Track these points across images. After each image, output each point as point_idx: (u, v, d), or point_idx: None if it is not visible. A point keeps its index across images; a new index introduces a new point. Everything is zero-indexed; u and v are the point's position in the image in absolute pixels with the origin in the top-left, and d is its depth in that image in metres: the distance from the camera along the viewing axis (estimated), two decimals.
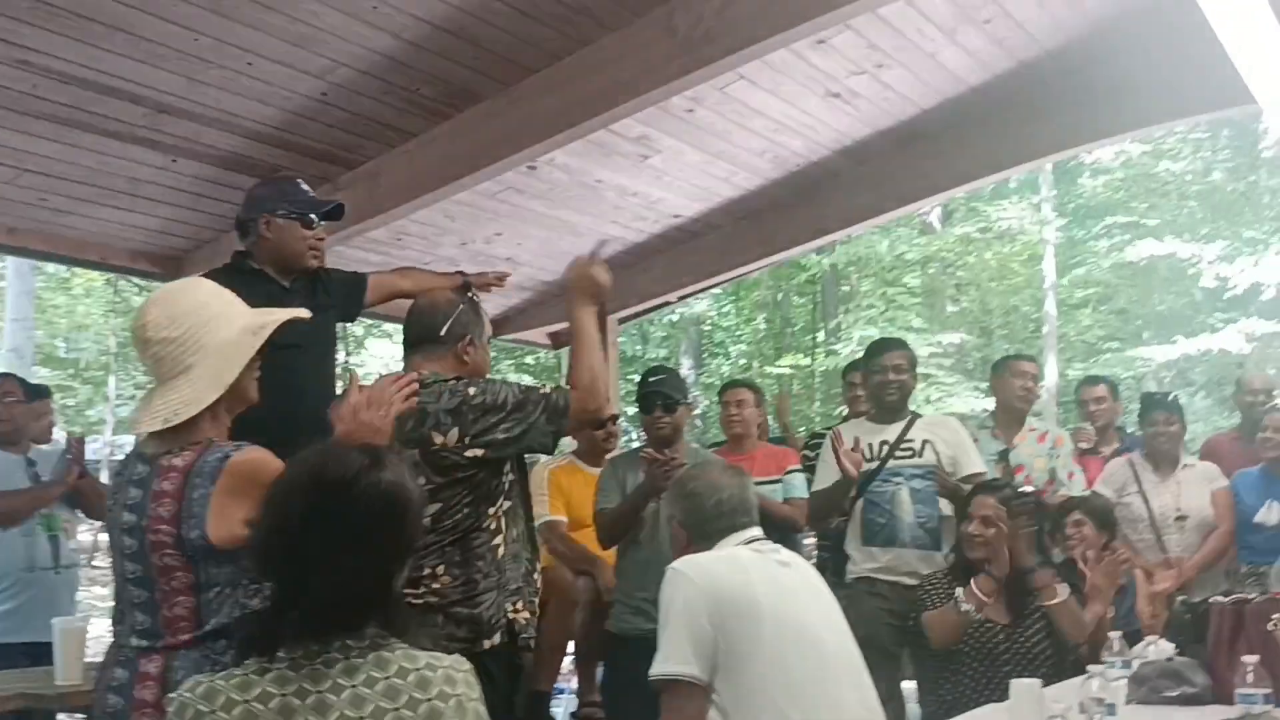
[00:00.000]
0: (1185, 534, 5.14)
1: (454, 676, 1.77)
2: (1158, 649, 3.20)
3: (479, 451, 2.95)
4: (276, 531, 1.76)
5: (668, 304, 7.83)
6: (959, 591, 3.81)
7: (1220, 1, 4.19)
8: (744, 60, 4.49)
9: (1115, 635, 3.33)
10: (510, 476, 3.11)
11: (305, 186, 3.79)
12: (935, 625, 3.88)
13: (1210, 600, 3.15)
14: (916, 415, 4.82)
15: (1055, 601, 3.84)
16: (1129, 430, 6.24)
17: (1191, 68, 5.34)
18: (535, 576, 3.19)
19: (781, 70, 5.20)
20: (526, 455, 3.23)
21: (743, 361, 20.41)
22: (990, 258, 17.13)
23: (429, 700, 1.72)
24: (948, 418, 5.01)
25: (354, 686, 1.68)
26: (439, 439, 2.95)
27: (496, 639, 2.99)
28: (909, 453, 4.64)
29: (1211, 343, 15.20)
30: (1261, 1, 4.17)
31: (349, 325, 4.61)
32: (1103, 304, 17.87)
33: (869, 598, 4.49)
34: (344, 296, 3.94)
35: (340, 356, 4.27)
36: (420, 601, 2.89)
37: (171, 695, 1.72)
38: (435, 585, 2.94)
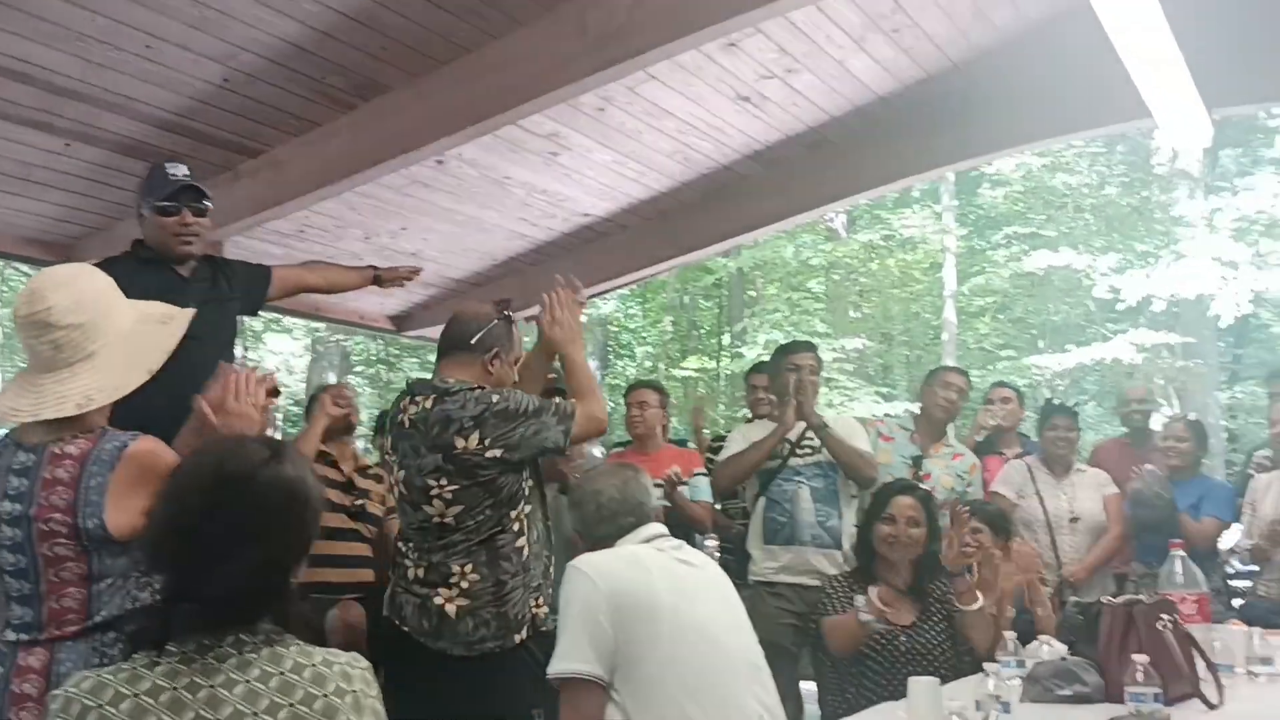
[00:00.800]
0: (1077, 536, 5.28)
1: (350, 673, 1.73)
2: (1051, 649, 3.27)
3: (498, 452, 3.14)
4: (174, 523, 1.71)
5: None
6: (859, 600, 3.79)
7: (1120, 20, 4.31)
8: (655, 60, 4.48)
9: (1010, 635, 3.39)
10: (529, 482, 3.30)
11: (172, 170, 3.63)
12: (835, 633, 3.85)
13: (1102, 601, 3.23)
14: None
15: (973, 609, 3.88)
16: (1031, 438, 6.38)
17: (1091, 83, 5.48)
18: (551, 571, 3.37)
19: (692, 72, 5.22)
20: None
21: (648, 363, 20.45)
22: (893, 265, 17.40)
23: (324, 696, 1.68)
24: (848, 418, 5.07)
25: (247, 681, 1.65)
26: (461, 443, 3.14)
27: (524, 633, 3.19)
28: (809, 450, 4.71)
29: (1103, 352, 15.62)
30: (1160, 21, 4.31)
31: (248, 319, 4.51)
32: (1000, 312, 18.26)
33: (770, 598, 4.54)
34: (247, 288, 3.87)
35: (238, 352, 4.17)
36: (452, 604, 3.12)
37: (56, 691, 1.66)
38: (464, 585, 3.14)
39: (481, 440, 3.14)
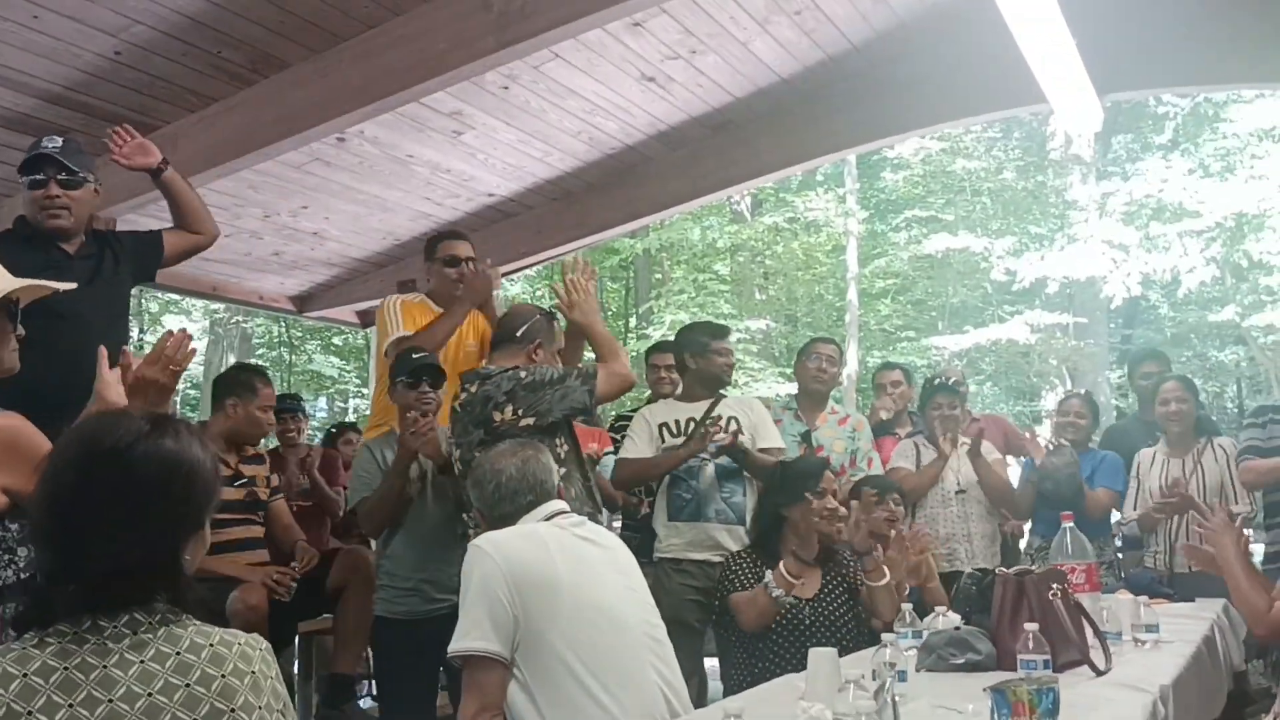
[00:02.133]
0: (966, 506, 5.41)
1: (249, 654, 1.70)
2: (946, 619, 3.35)
3: (530, 420, 3.63)
4: (52, 500, 1.67)
5: None
6: (768, 575, 3.84)
7: (1016, 6, 4.41)
8: (559, 38, 4.46)
9: (907, 607, 3.46)
10: (564, 447, 3.76)
11: (47, 143, 3.58)
12: (745, 608, 3.89)
13: (995, 571, 3.32)
14: (721, 395, 4.89)
15: (881, 584, 3.96)
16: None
17: (989, 68, 5.61)
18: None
19: (597, 51, 5.21)
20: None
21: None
22: (797, 247, 17.59)
23: (222, 676, 1.65)
24: (750, 398, 5.12)
25: (142, 662, 1.61)
26: (498, 416, 3.66)
27: None
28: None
29: (1000, 333, 16.00)
30: (1054, 7, 4.42)
31: (144, 301, 4.41)
32: (901, 294, 18.58)
33: (675, 574, 4.57)
34: (138, 256, 3.79)
35: (134, 334, 4.07)
36: None
37: None
38: None
39: (515, 411, 3.64)
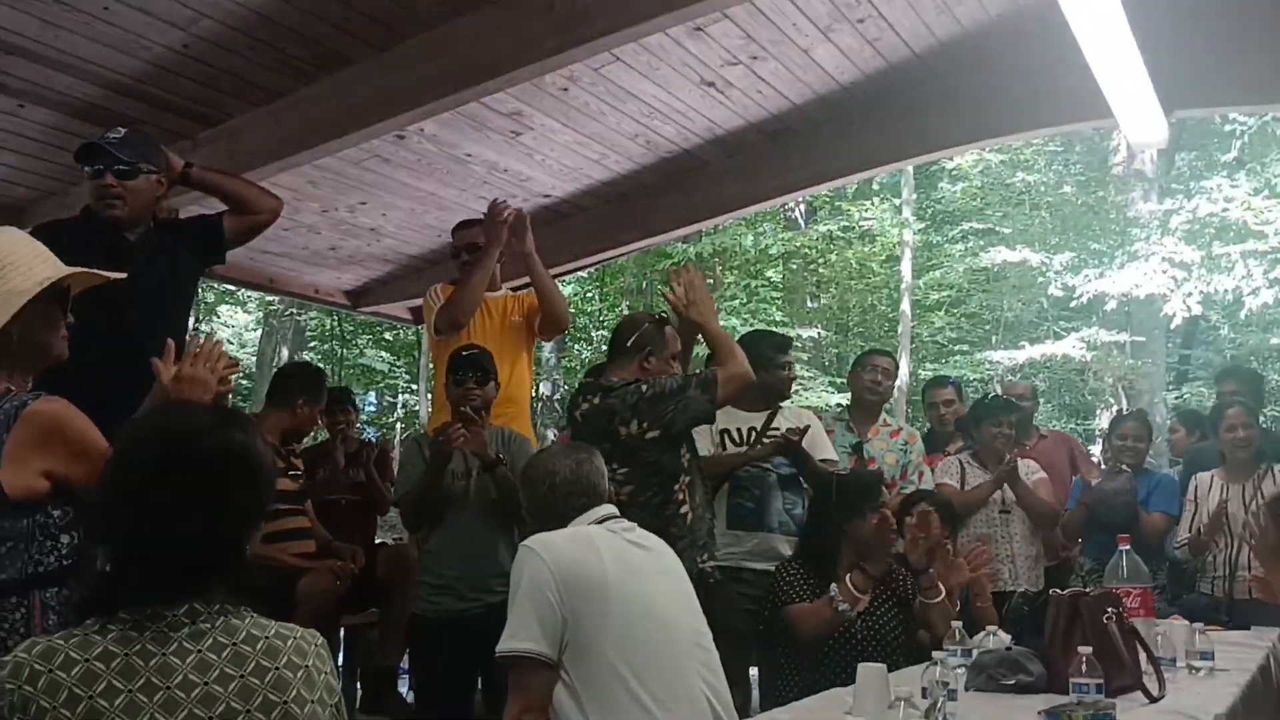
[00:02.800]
0: (1011, 525, 5.33)
1: (304, 648, 1.72)
2: (996, 639, 3.30)
3: (656, 433, 3.70)
4: (121, 487, 1.69)
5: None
6: (834, 589, 3.78)
7: (1083, 20, 4.35)
8: (620, 41, 4.47)
9: (957, 625, 3.42)
10: (687, 456, 3.84)
11: (110, 134, 3.62)
12: (806, 619, 3.85)
13: (1050, 593, 3.27)
14: (779, 406, 4.86)
15: (936, 601, 3.91)
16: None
17: (1054, 81, 5.53)
18: (714, 531, 4.02)
19: (658, 55, 5.20)
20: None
21: (605, 347, 20.41)
22: (851, 256, 17.47)
23: (276, 669, 1.67)
24: (804, 410, 5.10)
25: (199, 651, 1.63)
26: (624, 431, 3.70)
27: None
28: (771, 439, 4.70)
29: (1055, 349, 15.79)
30: (1122, 22, 4.35)
31: (200, 290, 4.45)
32: (955, 307, 18.38)
33: (732, 582, 4.49)
34: (201, 240, 3.81)
35: (190, 323, 4.11)
36: None
37: (5, 658, 1.63)
38: None
39: (640, 425, 3.69)
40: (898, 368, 5.75)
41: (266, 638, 1.69)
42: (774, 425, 4.73)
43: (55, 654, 1.58)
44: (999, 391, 5.90)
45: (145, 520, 1.66)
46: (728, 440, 4.72)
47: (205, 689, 1.61)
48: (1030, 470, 5.52)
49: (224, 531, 1.71)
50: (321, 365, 19.59)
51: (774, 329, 6.15)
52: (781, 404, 4.90)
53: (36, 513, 2.21)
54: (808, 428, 4.65)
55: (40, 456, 2.18)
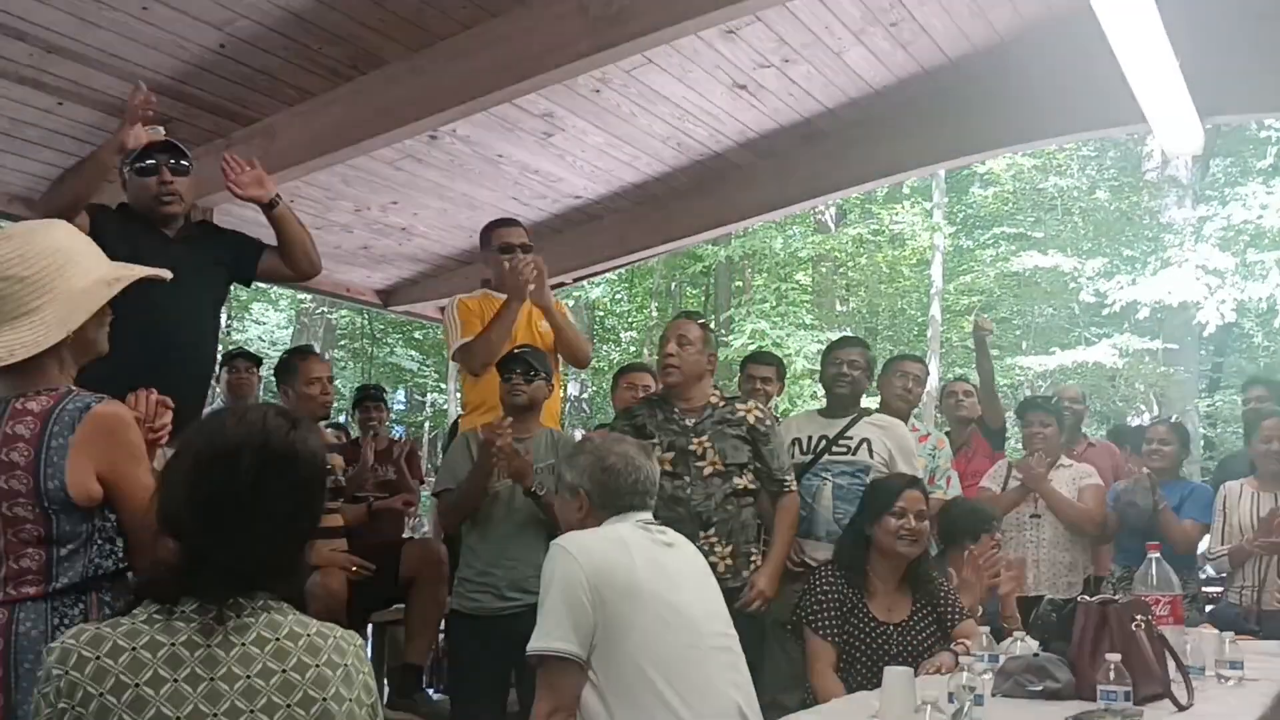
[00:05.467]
0: (1040, 530, 5.30)
1: (344, 647, 1.75)
2: (1023, 645, 3.29)
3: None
4: (192, 489, 1.71)
5: (563, 285, 7.79)
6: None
7: (1118, 25, 4.33)
8: (653, 44, 4.49)
9: (984, 630, 3.40)
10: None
11: (150, 131, 3.65)
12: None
13: (1078, 599, 3.25)
14: (865, 413, 4.75)
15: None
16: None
17: (1086, 86, 5.50)
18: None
19: (690, 57, 5.21)
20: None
21: (633, 348, 20.44)
22: (881, 260, 17.42)
23: (317, 666, 1.70)
24: (895, 420, 4.90)
25: (244, 645, 1.66)
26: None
27: None
28: (844, 449, 4.62)
29: (1086, 355, 15.68)
30: (1157, 28, 4.32)
31: (233, 287, 4.45)
32: (985, 311, 18.27)
33: (787, 580, 4.44)
34: (236, 256, 3.83)
35: (223, 319, 4.14)
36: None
37: (53, 644, 1.66)
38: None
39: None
40: (927, 373, 5.69)
41: (308, 635, 1.72)
42: (848, 434, 4.65)
43: (103, 641, 1.61)
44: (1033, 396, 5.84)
45: (218, 520, 1.69)
46: (796, 449, 4.65)
47: (248, 682, 1.64)
48: (1083, 475, 5.47)
49: (297, 532, 1.76)
50: (351, 363, 19.83)
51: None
52: (864, 412, 4.77)
53: (95, 516, 2.23)
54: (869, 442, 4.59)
55: (99, 459, 2.20)
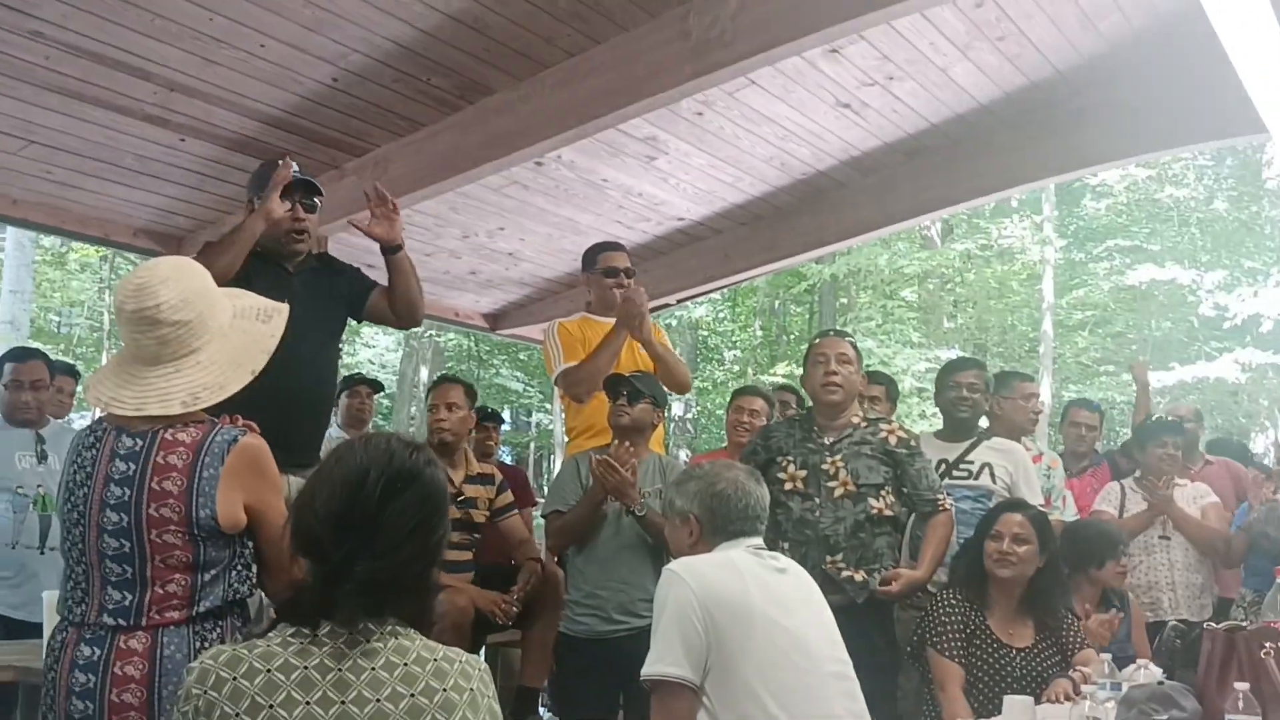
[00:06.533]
0: (1172, 552, 5.15)
1: (469, 672, 1.79)
2: (1147, 673, 3.19)
3: None
4: (334, 516, 1.77)
5: (666, 306, 7.82)
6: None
7: (1235, 30, 4.20)
8: (756, 66, 4.49)
9: (1106, 658, 3.32)
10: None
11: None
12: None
13: (1204, 626, 3.15)
14: (983, 437, 4.68)
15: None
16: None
17: (1202, 94, 5.35)
18: None
19: (793, 78, 5.20)
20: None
21: (736, 368, 20.41)
22: (989, 275, 17.14)
23: (444, 691, 1.74)
24: (1015, 444, 4.79)
25: (373, 669, 1.71)
26: None
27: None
28: (965, 474, 4.55)
29: (1207, 371, 15.22)
30: (1275, 34, 4.18)
31: None
32: (1100, 326, 17.87)
33: (907, 609, 4.39)
34: (351, 295, 3.90)
35: (340, 351, 4.21)
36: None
37: (192, 664, 1.73)
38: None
39: None
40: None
41: (435, 660, 1.76)
42: (968, 458, 4.58)
43: (240, 663, 1.68)
44: (1158, 414, 5.65)
45: (357, 545, 1.75)
46: None
47: (377, 706, 1.69)
48: (1201, 494, 5.30)
49: (429, 556, 1.82)
50: (450, 371, 20.02)
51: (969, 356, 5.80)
52: (984, 436, 4.70)
53: (237, 542, 2.33)
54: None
55: (246, 489, 2.30)
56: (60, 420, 5.24)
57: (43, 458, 4.75)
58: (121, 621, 2.26)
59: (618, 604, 4.09)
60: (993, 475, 4.51)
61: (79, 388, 5.70)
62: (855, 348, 4.23)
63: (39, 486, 4.68)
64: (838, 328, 14.07)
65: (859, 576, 3.88)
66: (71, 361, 6.33)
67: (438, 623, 4.02)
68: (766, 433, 4.29)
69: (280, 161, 3.67)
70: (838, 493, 3.96)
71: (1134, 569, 5.01)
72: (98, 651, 2.25)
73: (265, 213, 3.55)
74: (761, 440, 4.24)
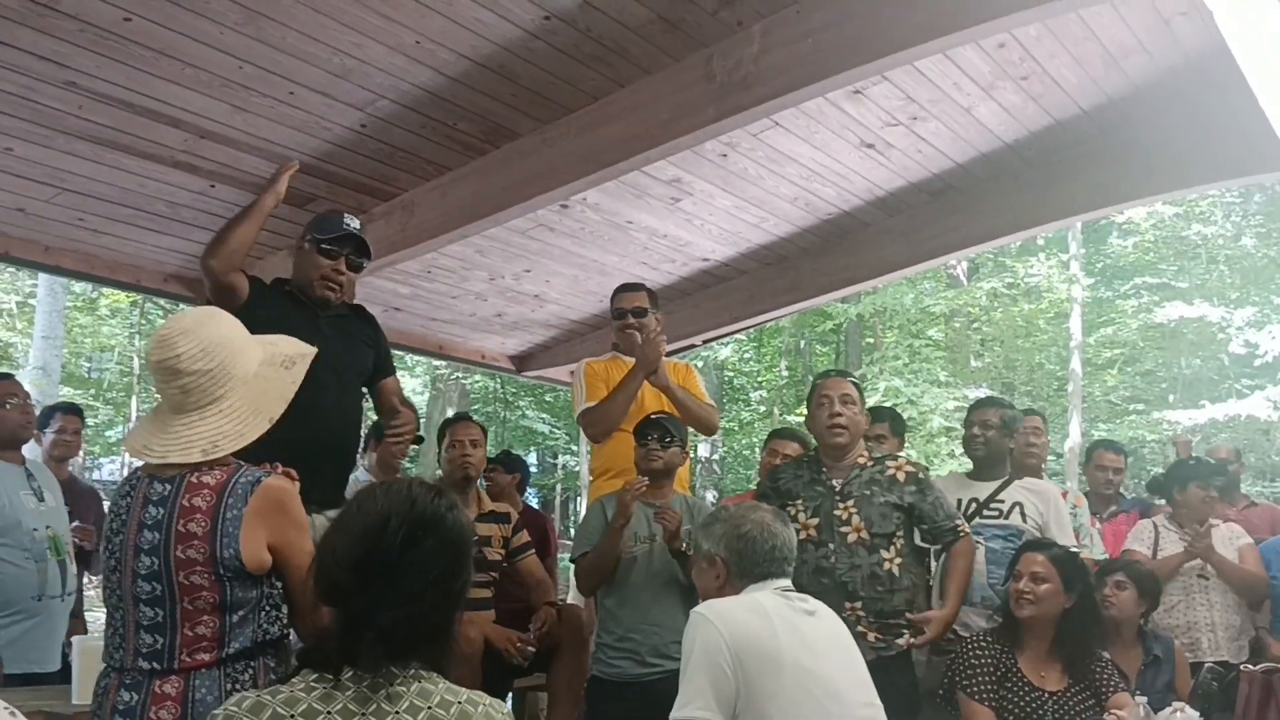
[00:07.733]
0: (1210, 593, 5.07)
1: (493, 714, 1.79)
2: (1183, 715, 3.15)
3: None
4: (356, 564, 1.77)
5: (692, 347, 7.82)
6: None
7: (1260, 68, 4.19)
8: (780, 108, 4.50)
9: (1141, 701, 3.27)
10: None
11: (347, 221, 3.80)
12: None
13: (1241, 667, 3.10)
14: (1014, 477, 4.65)
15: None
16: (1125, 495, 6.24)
17: (1229, 132, 5.33)
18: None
19: (817, 118, 5.22)
20: None
21: (763, 408, 20.37)
22: (1016, 313, 17.08)
23: None
24: (1047, 484, 4.78)
25: (396, 713, 1.71)
26: None
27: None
28: (996, 513, 4.52)
29: (1238, 409, 15.07)
30: None
31: None
32: (1129, 365, 17.76)
33: (934, 654, 4.32)
34: (376, 355, 3.94)
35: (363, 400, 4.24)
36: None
37: (216, 710, 1.73)
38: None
39: None
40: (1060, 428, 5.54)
41: (459, 703, 1.76)
42: (999, 497, 4.54)
43: (264, 709, 1.68)
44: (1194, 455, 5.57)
45: (361, 582, 1.75)
46: None
47: None
48: (1235, 535, 5.22)
49: (451, 601, 1.82)
50: (469, 414, 20.03)
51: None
52: (1015, 475, 4.66)
53: (264, 583, 2.35)
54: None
55: (270, 529, 2.32)
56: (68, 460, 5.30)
57: (40, 497, 4.66)
58: (155, 665, 2.29)
59: (651, 647, 4.07)
60: (1023, 515, 4.47)
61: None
62: (858, 387, 4.22)
63: (48, 528, 4.60)
64: (839, 368, 14.09)
65: (877, 639, 3.84)
66: (79, 403, 6.32)
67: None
68: (774, 475, 4.29)
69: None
70: (851, 538, 3.95)
71: (1172, 609, 4.94)
72: (135, 696, 2.28)
73: (274, 193, 3.82)
74: (770, 484, 4.24)
